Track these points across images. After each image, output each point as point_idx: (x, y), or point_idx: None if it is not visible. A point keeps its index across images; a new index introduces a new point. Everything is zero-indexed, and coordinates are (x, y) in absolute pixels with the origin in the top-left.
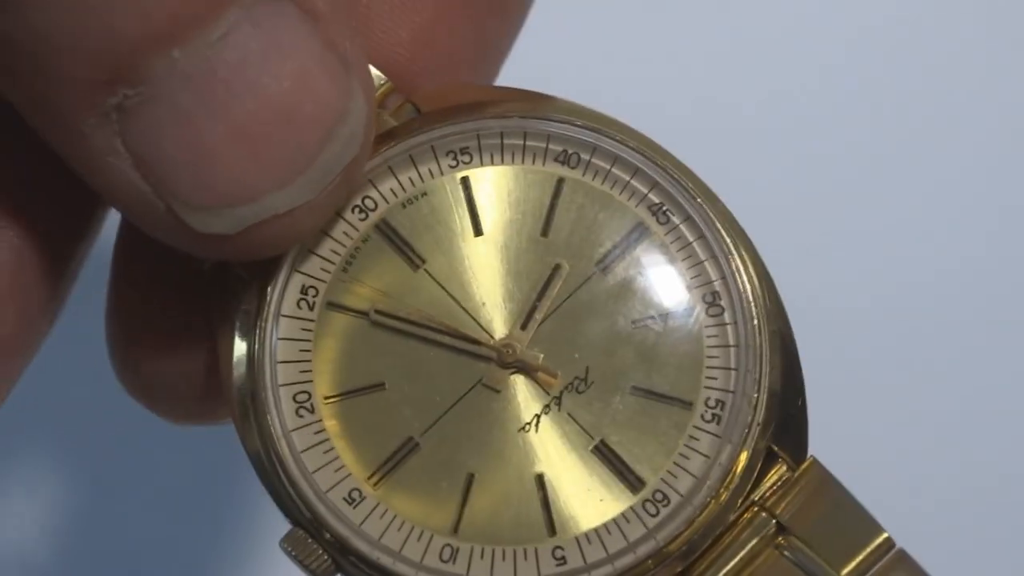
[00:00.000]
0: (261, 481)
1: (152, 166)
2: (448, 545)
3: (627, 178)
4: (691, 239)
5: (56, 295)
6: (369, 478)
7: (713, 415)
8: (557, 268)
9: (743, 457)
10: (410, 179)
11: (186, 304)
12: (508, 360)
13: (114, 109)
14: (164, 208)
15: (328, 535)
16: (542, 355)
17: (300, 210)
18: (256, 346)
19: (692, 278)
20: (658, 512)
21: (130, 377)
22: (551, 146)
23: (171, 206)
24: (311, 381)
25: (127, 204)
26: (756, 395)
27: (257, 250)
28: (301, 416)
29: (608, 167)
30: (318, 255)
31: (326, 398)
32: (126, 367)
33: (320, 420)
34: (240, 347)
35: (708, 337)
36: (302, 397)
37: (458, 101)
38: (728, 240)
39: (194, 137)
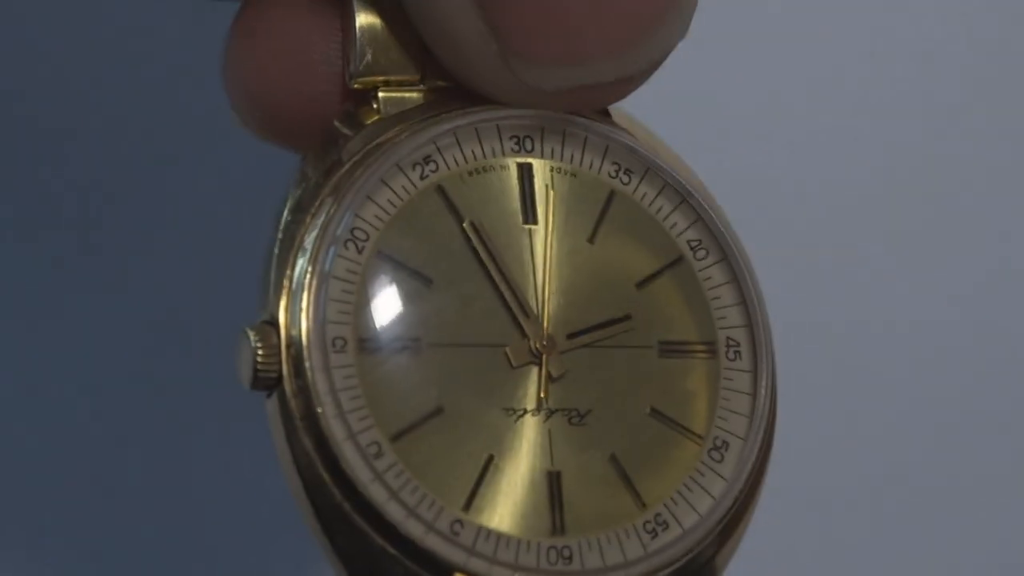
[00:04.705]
0: (272, 257)
1: (495, 5)
2: (377, 442)
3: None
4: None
5: None
6: (361, 341)
7: (653, 528)
8: (627, 318)
9: None
10: (571, 156)
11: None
12: (538, 350)
13: None
14: (495, 51)
15: (302, 372)
16: (566, 371)
17: (618, 83)
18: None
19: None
20: (555, 562)
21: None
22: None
23: (503, 51)
24: (378, 230)
25: (457, 35)
26: (688, 555)
27: (562, 109)
28: (347, 248)
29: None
30: (463, 152)
31: (378, 252)
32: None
33: (360, 265)
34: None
35: (699, 474)
36: (360, 236)
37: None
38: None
39: None
